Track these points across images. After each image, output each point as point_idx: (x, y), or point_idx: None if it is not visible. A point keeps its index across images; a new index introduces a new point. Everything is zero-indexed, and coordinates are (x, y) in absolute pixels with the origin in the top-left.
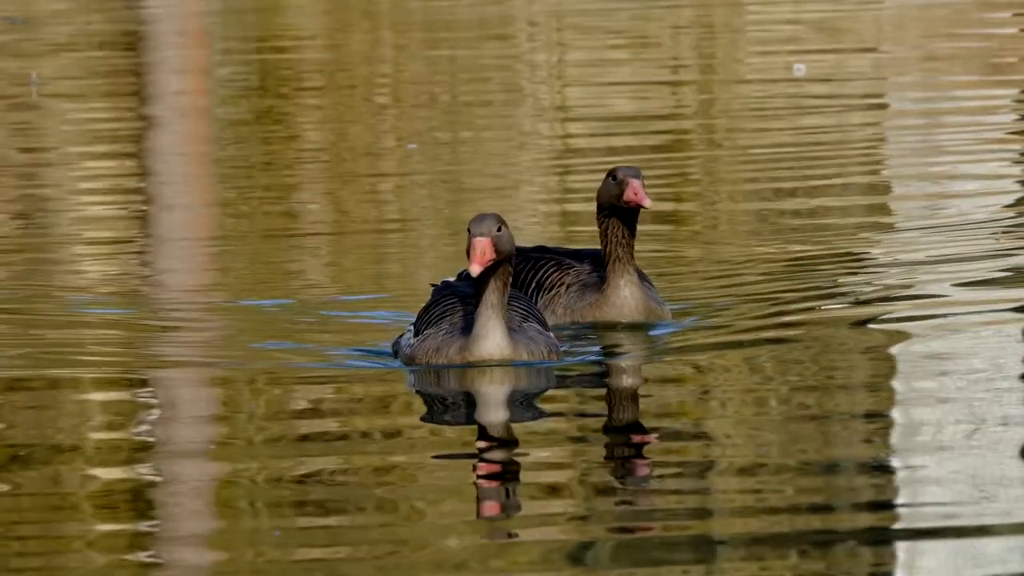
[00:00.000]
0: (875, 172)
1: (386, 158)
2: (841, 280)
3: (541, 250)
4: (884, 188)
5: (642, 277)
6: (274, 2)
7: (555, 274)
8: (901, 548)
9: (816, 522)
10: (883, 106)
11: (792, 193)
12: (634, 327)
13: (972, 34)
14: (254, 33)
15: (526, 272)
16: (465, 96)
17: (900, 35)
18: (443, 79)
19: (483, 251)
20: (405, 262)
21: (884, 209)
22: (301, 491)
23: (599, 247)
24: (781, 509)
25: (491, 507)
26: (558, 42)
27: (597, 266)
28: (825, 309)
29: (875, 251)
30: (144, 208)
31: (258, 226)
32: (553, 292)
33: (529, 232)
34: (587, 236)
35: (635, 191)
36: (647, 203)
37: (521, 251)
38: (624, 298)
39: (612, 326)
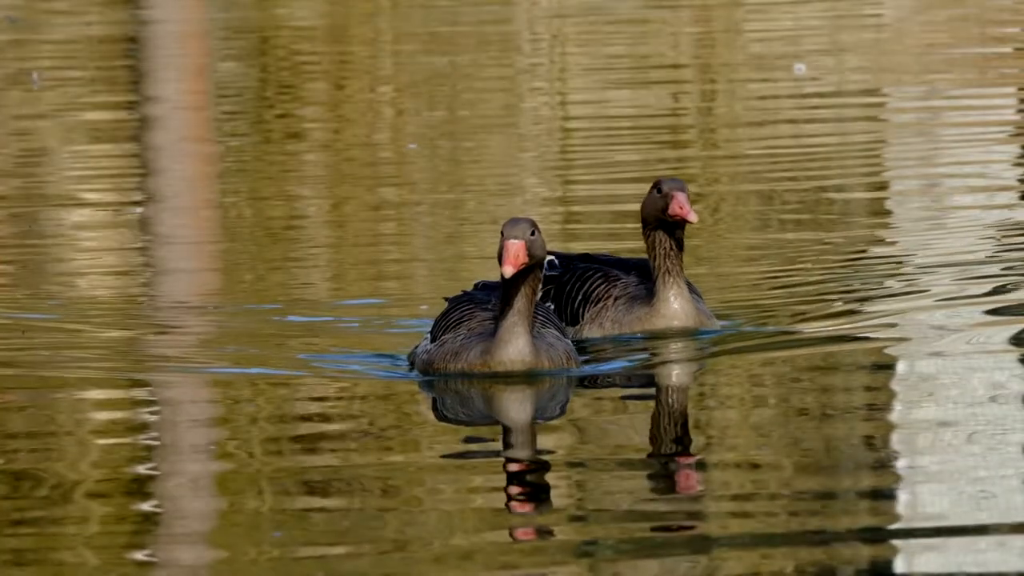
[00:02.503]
0: (875, 176)
1: (387, 158)
2: (842, 289)
3: (586, 258)
4: (885, 192)
5: (690, 288)
6: (274, 4)
7: (602, 286)
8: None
9: (816, 552)
10: (882, 107)
11: (792, 198)
12: (680, 335)
13: (972, 35)
14: (254, 34)
15: (572, 283)
16: (465, 96)
17: (899, 36)
18: (443, 81)
19: (517, 253)
20: (405, 265)
21: (885, 213)
22: (308, 505)
23: (642, 256)
24: (778, 536)
25: (525, 532)
26: (559, 50)
27: (644, 278)
28: (824, 321)
29: (875, 257)
30: (143, 211)
31: (257, 228)
32: (600, 305)
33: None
34: (588, 236)
35: (680, 205)
36: (693, 218)
37: (565, 258)
38: (674, 311)
39: (661, 335)
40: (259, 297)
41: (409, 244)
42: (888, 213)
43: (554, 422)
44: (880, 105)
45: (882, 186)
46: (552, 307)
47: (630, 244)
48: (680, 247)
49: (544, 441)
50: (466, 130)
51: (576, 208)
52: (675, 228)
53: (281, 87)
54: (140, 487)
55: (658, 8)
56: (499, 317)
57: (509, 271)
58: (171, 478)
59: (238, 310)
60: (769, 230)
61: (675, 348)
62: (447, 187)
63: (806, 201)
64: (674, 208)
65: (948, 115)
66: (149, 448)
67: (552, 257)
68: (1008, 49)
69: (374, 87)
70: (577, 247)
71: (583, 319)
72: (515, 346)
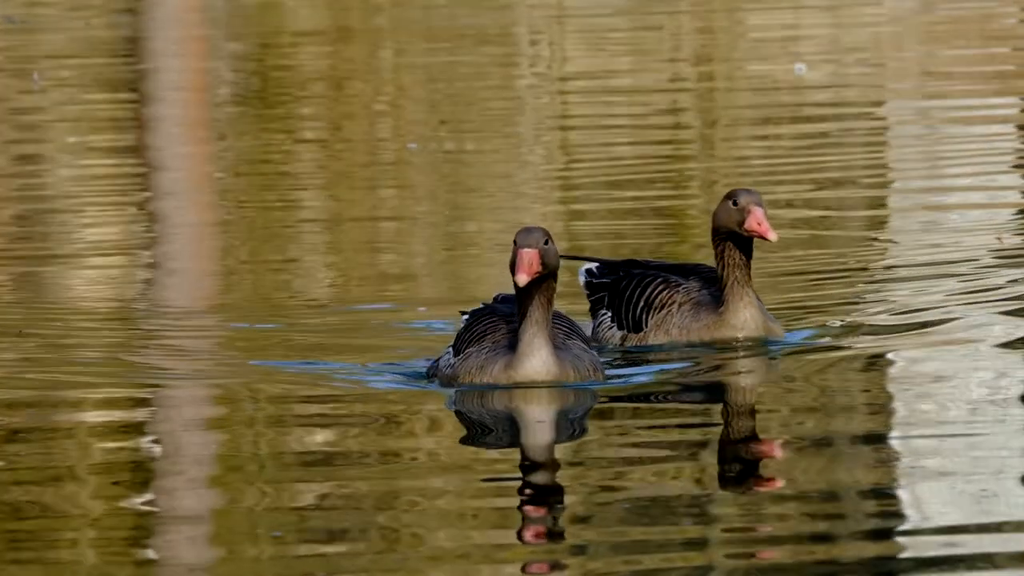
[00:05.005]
0: (875, 181)
1: (386, 158)
2: (841, 297)
3: (632, 264)
4: (884, 198)
5: (756, 297)
6: (274, 5)
7: (665, 292)
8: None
9: (819, 551)
10: (883, 114)
11: (791, 205)
12: (749, 343)
13: (973, 39)
14: (254, 36)
15: (632, 290)
16: (465, 97)
17: (900, 42)
18: (444, 82)
19: (531, 262)
20: (406, 267)
21: (885, 220)
22: (322, 519)
23: (689, 261)
24: (783, 537)
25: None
26: (558, 53)
27: (705, 283)
28: (829, 328)
29: (875, 265)
30: (144, 214)
31: (257, 231)
32: (664, 311)
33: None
34: (588, 236)
35: (758, 221)
36: (773, 236)
37: (611, 265)
38: (744, 320)
39: (728, 344)
40: (260, 302)
41: (409, 245)
42: (888, 216)
43: (574, 442)
44: (880, 107)
45: (883, 189)
46: (609, 314)
47: (631, 245)
48: (750, 257)
49: (561, 460)
50: (467, 130)
51: (576, 211)
52: (747, 241)
53: (281, 88)
54: (141, 514)
55: (657, 12)
56: (518, 330)
57: (523, 279)
58: (182, 475)
59: (240, 316)
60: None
61: (707, 360)
62: (447, 187)
63: (806, 207)
64: (751, 224)
65: (948, 117)
66: (152, 470)
67: (592, 265)
68: (1008, 50)
69: (374, 87)
70: (577, 243)
71: (647, 325)
72: (538, 358)
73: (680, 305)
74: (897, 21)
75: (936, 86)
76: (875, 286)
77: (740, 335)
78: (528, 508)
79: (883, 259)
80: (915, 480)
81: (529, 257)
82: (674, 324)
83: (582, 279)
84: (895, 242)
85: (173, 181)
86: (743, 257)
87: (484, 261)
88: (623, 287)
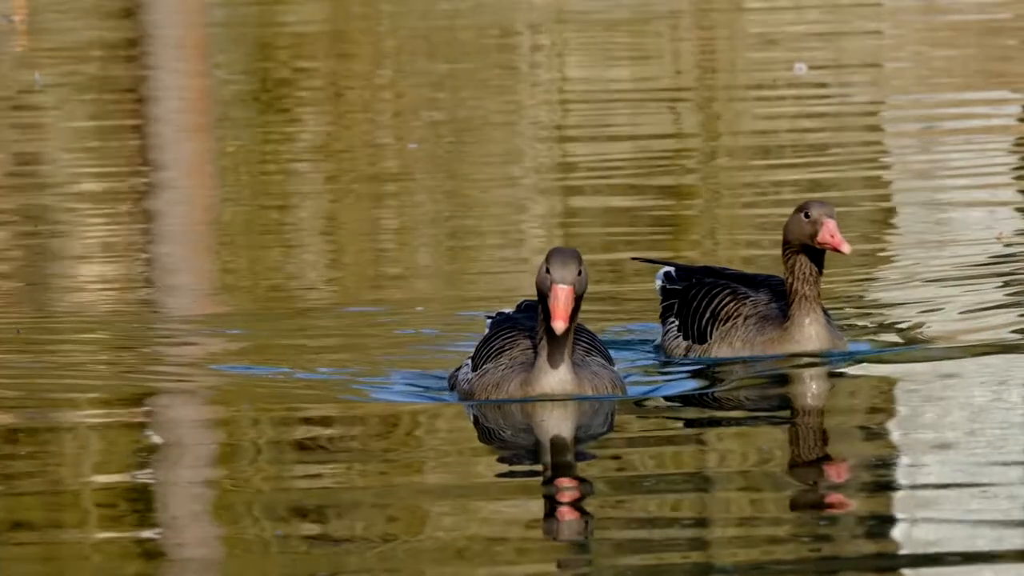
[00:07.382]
0: (876, 188)
1: (388, 158)
2: (840, 311)
3: (708, 271)
4: (885, 204)
5: (823, 312)
6: (274, 6)
7: (731, 304)
8: None
9: None
10: (881, 122)
11: (792, 203)
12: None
13: (974, 42)
14: (254, 36)
15: (699, 300)
16: (467, 98)
17: (900, 44)
18: (444, 84)
19: (567, 302)
20: (407, 268)
21: (885, 227)
22: (332, 530)
23: (764, 272)
24: (781, 561)
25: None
26: (557, 54)
27: (774, 296)
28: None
29: (875, 273)
30: (144, 218)
31: (258, 233)
32: (730, 324)
33: (533, 236)
34: (590, 236)
35: (831, 234)
36: (846, 248)
37: (686, 271)
38: (809, 336)
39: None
40: (261, 305)
41: (410, 245)
42: (889, 220)
43: (587, 462)
44: (880, 108)
45: (885, 191)
46: (676, 322)
47: (630, 246)
48: (821, 271)
49: (577, 477)
50: (467, 130)
51: (575, 212)
52: (819, 253)
53: (281, 88)
54: (145, 489)
55: (657, 14)
56: (537, 347)
57: (561, 327)
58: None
59: (242, 322)
60: (768, 237)
61: (747, 376)
62: (448, 187)
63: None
64: (824, 236)
65: (949, 120)
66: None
67: (670, 268)
68: (1010, 54)
69: (374, 87)
70: (577, 243)
71: (711, 338)
72: (556, 376)
73: (746, 318)
74: (898, 23)
75: (936, 88)
76: (886, 295)
77: (804, 350)
78: (554, 530)
79: (886, 265)
80: (914, 504)
81: (566, 298)
82: (738, 337)
83: (658, 282)
84: (898, 248)
85: (172, 181)
86: (814, 270)
87: (484, 262)
88: (691, 296)
